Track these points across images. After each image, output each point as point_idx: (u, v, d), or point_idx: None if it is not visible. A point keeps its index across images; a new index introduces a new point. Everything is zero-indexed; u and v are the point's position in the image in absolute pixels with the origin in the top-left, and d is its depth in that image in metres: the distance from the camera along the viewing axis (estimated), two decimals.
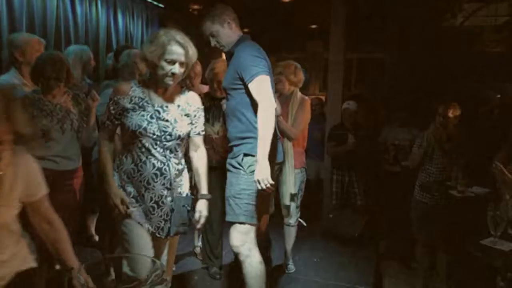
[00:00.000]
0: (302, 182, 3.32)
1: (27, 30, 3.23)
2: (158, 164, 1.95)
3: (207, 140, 2.75)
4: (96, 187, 2.84)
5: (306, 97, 3.31)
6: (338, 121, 4.78)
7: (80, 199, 2.62)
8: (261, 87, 2.13)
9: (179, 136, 1.98)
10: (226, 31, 2.28)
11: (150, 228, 1.99)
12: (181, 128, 1.99)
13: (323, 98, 5.36)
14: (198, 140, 2.12)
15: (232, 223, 2.28)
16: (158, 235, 2.02)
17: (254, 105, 2.17)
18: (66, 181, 2.51)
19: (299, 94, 3.23)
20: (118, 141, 2.28)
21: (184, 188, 2.09)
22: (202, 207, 2.10)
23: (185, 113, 2.03)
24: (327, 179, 4.70)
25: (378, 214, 4.43)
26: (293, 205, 3.26)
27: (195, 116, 2.06)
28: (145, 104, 1.93)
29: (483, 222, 2.05)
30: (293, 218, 3.33)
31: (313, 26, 6.92)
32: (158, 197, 1.98)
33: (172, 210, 2.02)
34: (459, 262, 3.02)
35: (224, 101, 2.76)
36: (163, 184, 1.97)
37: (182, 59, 1.88)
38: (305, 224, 4.16)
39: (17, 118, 1.38)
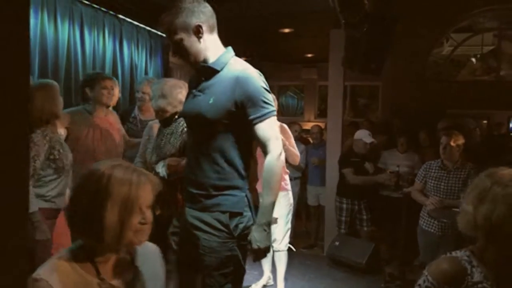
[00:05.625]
0: (289, 206, 3.35)
1: (40, 59, 3.25)
2: None
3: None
4: None
5: (284, 124, 3.37)
6: (338, 148, 4.87)
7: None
8: (273, 130, 1.71)
9: None
10: (193, 41, 1.69)
11: None
12: None
13: (322, 125, 5.45)
14: None
15: None
16: None
17: (245, 148, 1.75)
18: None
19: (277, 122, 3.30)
20: None
21: None
22: None
23: None
24: (329, 205, 4.74)
25: (384, 240, 4.47)
26: (279, 230, 3.26)
27: None
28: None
29: None
30: (282, 243, 3.33)
31: (309, 55, 7.09)
32: None
33: None
34: None
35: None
36: None
37: None
38: (294, 249, 4.15)
39: None
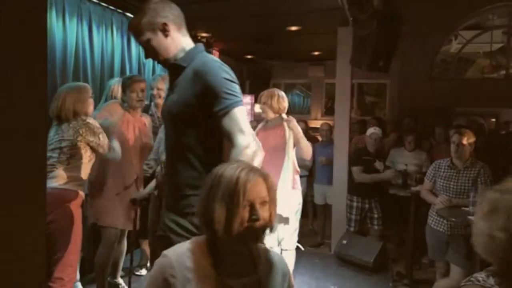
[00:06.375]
0: (298, 204, 3.34)
1: (48, 57, 3.27)
2: None
3: None
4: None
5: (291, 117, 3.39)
6: (346, 146, 4.85)
7: None
8: (238, 122, 1.59)
9: None
10: (161, 40, 1.68)
11: None
12: None
13: (331, 123, 5.43)
14: None
15: None
16: None
17: (216, 145, 1.67)
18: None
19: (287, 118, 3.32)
20: None
21: None
22: None
23: None
24: (336, 204, 4.73)
25: (392, 239, 4.46)
26: (288, 229, 3.25)
27: None
28: None
29: None
30: (291, 242, 3.32)
31: (316, 53, 7.06)
32: None
33: None
34: None
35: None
36: None
37: None
38: (302, 248, 4.13)
39: None
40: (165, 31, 1.67)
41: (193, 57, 1.69)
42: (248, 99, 7.38)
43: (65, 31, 3.44)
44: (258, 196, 1.19)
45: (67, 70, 3.49)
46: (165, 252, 1.23)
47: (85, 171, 2.58)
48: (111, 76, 4.02)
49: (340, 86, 4.96)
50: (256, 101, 7.14)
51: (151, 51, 1.71)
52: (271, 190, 1.23)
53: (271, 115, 3.27)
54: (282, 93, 3.33)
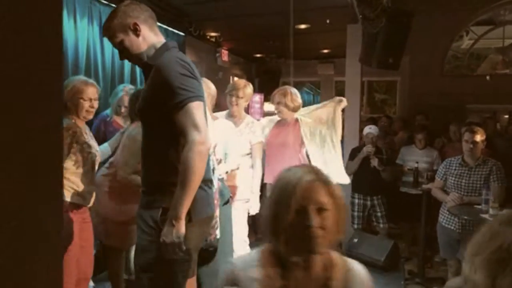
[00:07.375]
0: None
1: None
2: None
3: None
4: None
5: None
6: (355, 144, 4.83)
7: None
8: (191, 117, 1.56)
9: None
10: (133, 39, 1.68)
11: None
12: None
13: None
14: None
15: None
16: None
17: (179, 142, 1.63)
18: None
19: None
20: None
21: None
22: None
23: None
24: (347, 202, 4.71)
25: (403, 237, 4.42)
26: None
27: None
28: None
29: None
30: None
31: (325, 51, 7.04)
32: None
33: None
34: None
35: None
36: None
37: None
38: None
39: None
40: (136, 30, 1.68)
41: (160, 55, 1.68)
42: (257, 97, 7.39)
43: (76, 32, 3.47)
44: (315, 201, 1.07)
45: (79, 71, 3.51)
46: (232, 260, 1.20)
47: (75, 178, 2.31)
48: (122, 77, 4.06)
49: (350, 83, 4.95)
50: (265, 99, 7.14)
51: (125, 52, 1.72)
52: (335, 197, 1.10)
53: (287, 114, 3.23)
54: (295, 90, 3.29)
